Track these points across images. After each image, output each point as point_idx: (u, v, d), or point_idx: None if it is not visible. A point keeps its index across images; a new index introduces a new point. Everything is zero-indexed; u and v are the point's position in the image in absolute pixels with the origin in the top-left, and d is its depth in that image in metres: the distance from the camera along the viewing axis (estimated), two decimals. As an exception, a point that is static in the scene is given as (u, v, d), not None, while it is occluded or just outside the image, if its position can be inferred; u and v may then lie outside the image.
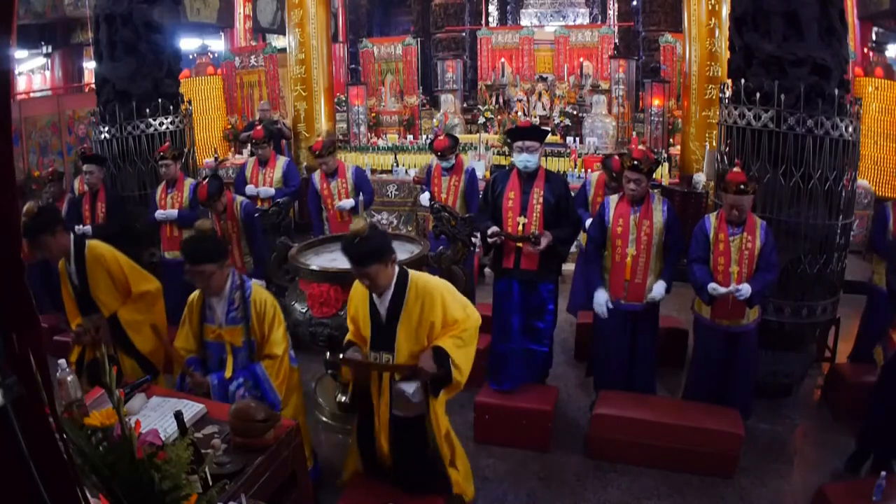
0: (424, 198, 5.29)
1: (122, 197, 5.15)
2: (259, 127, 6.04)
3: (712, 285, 3.49)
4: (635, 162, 3.60)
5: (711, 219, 3.66)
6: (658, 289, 3.67)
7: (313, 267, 3.20)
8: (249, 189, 5.47)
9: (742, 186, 3.42)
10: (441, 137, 5.16)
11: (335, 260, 3.43)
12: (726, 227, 3.55)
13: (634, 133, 8.99)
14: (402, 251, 3.44)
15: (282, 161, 5.60)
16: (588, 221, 4.48)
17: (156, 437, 1.55)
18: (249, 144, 5.97)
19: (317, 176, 5.24)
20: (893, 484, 2.66)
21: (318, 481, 3.16)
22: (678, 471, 3.41)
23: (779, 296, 3.98)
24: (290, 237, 3.88)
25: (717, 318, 3.66)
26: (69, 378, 2.20)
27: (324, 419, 3.96)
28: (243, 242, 4.51)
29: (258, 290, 2.90)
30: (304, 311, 3.17)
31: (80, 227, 4.77)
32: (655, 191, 3.78)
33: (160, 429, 1.91)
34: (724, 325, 3.66)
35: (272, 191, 5.43)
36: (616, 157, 4.65)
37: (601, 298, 3.75)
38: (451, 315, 2.54)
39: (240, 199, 4.55)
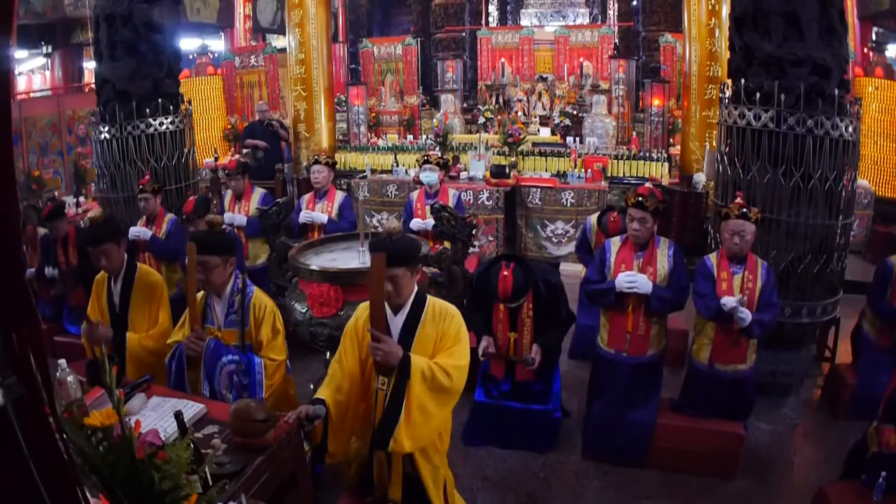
0: (416, 223, 4.86)
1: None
2: (233, 158, 5.55)
3: (724, 299, 3.19)
4: (639, 199, 3.18)
5: (712, 258, 3.42)
6: (643, 281, 3.20)
7: (313, 267, 3.20)
8: (227, 217, 5.06)
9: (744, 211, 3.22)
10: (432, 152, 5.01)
11: (335, 260, 3.43)
12: (727, 264, 3.34)
13: (634, 133, 8.99)
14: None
15: (257, 194, 5.17)
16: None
17: (156, 437, 1.55)
18: (226, 175, 5.35)
19: (306, 197, 5.01)
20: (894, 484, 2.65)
21: (318, 481, 3.16)
22: (678, 471, 3.41)
23: (779, 296, 3.98)
24: (289, 237, 3.88)
25: (716, 361, 3.38)
26: (69, 378, 2.20)
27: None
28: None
29: (260, 295, 2.93)
30: (304, 311, 3.17)
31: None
32: (661, 237, 3.39)
33: (160, 429, 1.92)
34: (723, 370, 3.37)
35: (244, 219, 5.05)
36: (613, 214, 4.27)
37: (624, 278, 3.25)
38: (452, 344, 2.35)
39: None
